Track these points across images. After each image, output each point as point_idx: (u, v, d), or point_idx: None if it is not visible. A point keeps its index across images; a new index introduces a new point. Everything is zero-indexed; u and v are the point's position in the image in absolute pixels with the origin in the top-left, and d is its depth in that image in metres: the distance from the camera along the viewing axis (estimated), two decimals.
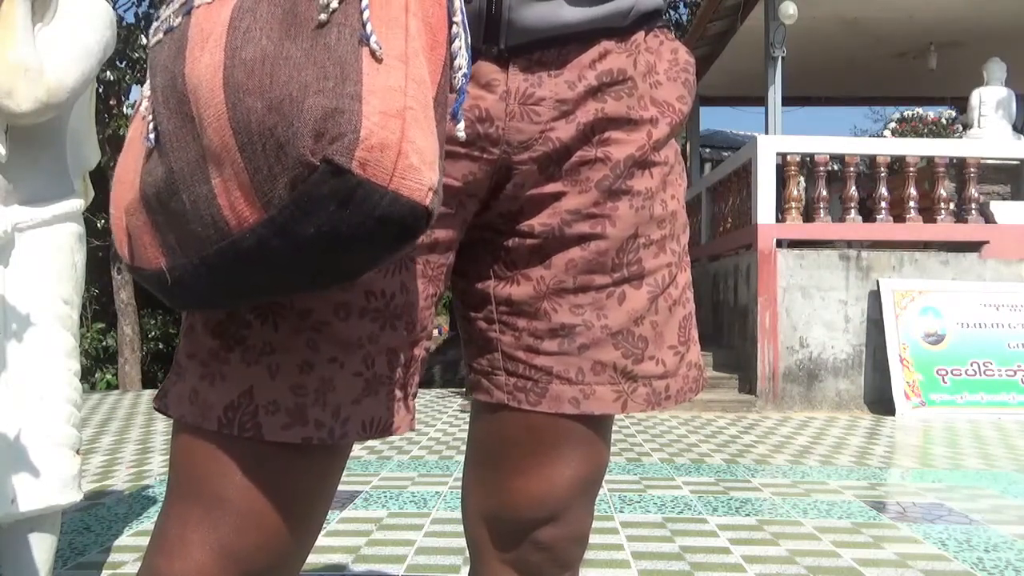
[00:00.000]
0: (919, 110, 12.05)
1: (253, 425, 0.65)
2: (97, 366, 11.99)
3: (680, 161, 0.82)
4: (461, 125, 0.59)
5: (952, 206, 7.33)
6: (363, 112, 0.49)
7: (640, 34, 0.77)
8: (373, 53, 0.51)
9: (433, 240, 0.71)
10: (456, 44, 0.58)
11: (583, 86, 0.73)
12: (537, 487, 0.79)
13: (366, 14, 0.51)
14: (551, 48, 0.72)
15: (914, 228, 7.26)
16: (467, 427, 5.69)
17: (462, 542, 2.70)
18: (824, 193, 7.27)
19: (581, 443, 0.79)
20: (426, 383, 12.99)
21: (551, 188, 0.75)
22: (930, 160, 7.38)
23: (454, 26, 0.58)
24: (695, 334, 0.83)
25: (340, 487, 3.43)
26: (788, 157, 7.24)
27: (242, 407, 0.65)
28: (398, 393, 0.70)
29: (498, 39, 0.69)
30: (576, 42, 0.73)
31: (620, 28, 0.75)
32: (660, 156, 0.78)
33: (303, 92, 0.50)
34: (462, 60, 0.58)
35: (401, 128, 0.50)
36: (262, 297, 0.62)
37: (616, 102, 0.75)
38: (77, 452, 1.70)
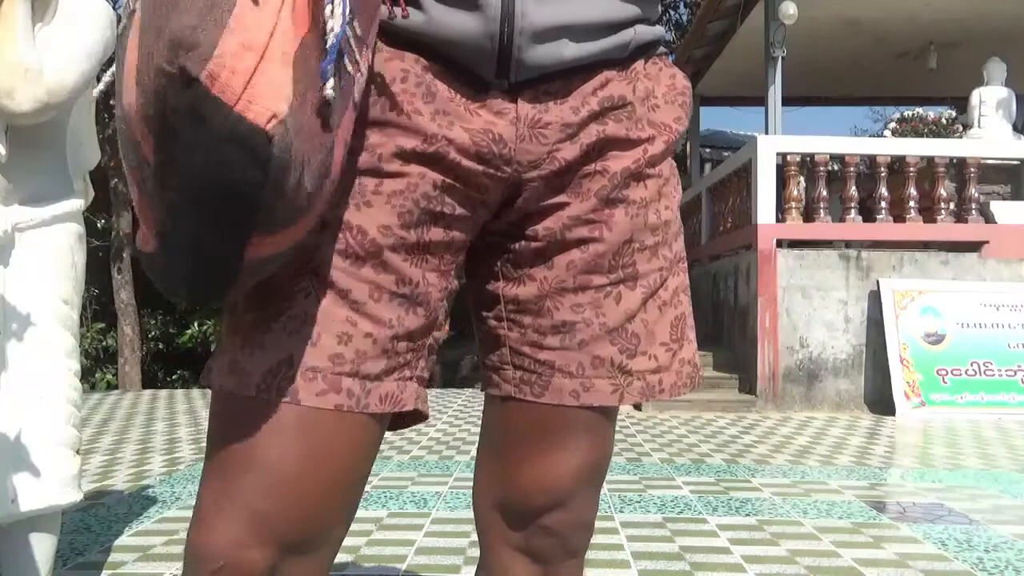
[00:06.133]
0: (919, 110, 12.05)
1: (291, 391, 0.70)
2: (97, 366, 11.99)
3: (675, 174, 0.89)
4: (330, 83, 0.62)
5: (952, 206, 7.33)
6: (223, 37, 0.54)
7: (639, 63, 0.84)
8: None
9: (450, 238, 0.78)
10: (328, 11, 0.62)
11: (586, 111, 0.79)
12: (544, 474, 0.85)
13: None
14: (556, 80, 0.78)
15: (914, 228, 7.26)
16: (467, 427, 5.70)
17: (462, 542, 2.70)
18: (824, 193, 7.27)
19: (585, 433, 0.85)
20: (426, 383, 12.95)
21: (556, 200, 0.81)
22: (930, 160, 7.38)
23: (328, 2, 0.62)
24: (691, 334, 0.89)
25: None
26: (788, 157, 7.24)
27: (280, 373, 0.70)
28: (408, 373, 0.77)
29: (508, 75, 0.76)
30: (580, 73, 0.79)
31: (620, 59, 0.82)
32: (655, 170, 0.85)
33: (173, 11, 0.55)
34: (335, 23, 0.62)
35: (257, 61, 0.55)
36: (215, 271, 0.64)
37: (616, 124, 0.81)
38: (77, 452, 1.70)
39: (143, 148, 0.59)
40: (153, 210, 0.61)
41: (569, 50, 0.77)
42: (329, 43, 0.61)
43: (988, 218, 7.36)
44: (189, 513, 3.46)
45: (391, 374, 0.75)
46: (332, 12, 0.62)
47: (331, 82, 0.61)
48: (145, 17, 0.58)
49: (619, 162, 0.82)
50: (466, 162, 0.76)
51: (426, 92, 0.74)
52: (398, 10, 0.72)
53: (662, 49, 0.88)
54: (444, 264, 0.79)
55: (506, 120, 0.77)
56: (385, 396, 0.75)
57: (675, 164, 0.90)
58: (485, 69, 0.75)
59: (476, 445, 4.07)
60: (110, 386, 11.43)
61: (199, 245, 0.61)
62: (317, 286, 0.72)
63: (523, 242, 0.83)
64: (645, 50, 0.85)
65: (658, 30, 0.86)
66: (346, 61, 0.65)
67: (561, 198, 0.81)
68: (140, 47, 0.57)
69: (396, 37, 0.75)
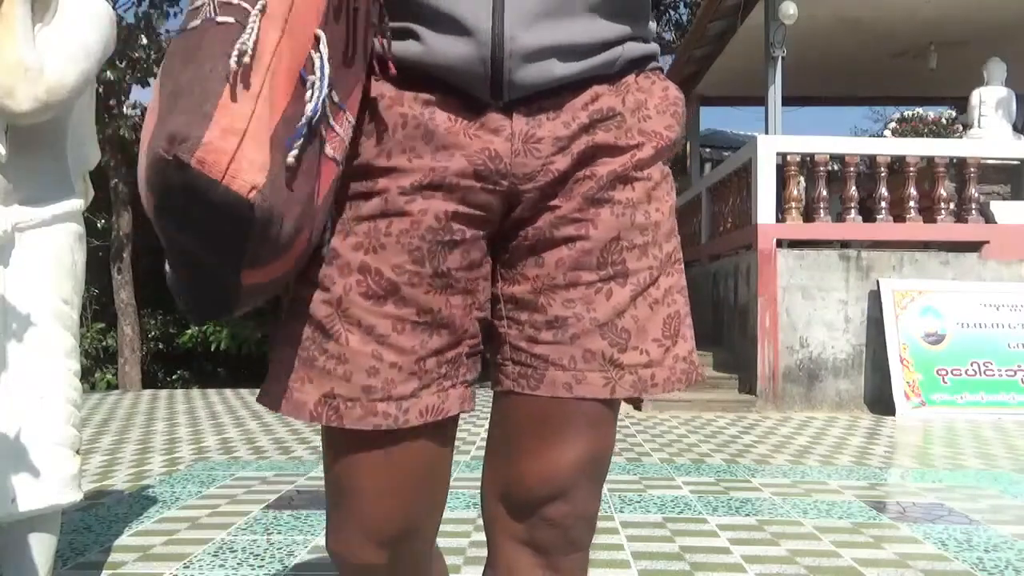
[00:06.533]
0: (919, 110, 12.06)
1: (336, 417, 0.83)
2: (97, 366, 11.99)
3: (668, 180, 0.93)
4: (292, 154, 0.73)
5: (952, 206, 7.33)
6: (209, 127, 0.67)
7: (630, 77, 0.89)
8: (233, 88, 0.69)
9: (468, 260, 0.86)
10: (308, 94, 0.75)
11: (577, 125, 0.85)
12: (543, 465, 0.89)
13: (244, 61, 0.70)
14: (548, 97, 0.84)
15: (914, 228, 7.26)
16: (467, 427, 5.67)
17: (462, 542, 2.70)
18: (824, 193, 7.26)
19: (583, 426, 0.89)
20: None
21: (548, 204, 0.87)
22: (930, 160, 7.38)
23: (308, 86, 0.75)
24: (687, 332, 0.92)
25: None
26: (788, 157, 7.23)
27: (327, 403, 0.84)
28: (446, 384, 0.87)
29: (501, 95, 0.82)
30: (571, 89, 0.85)
31: (610, 74, 0.87)
32: (643, 173, 0.89)
33: (171, 113, 0.69)
34: (309, 106, 0.75)
35: (238, 142, 0.68)
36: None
37: (606, 133, 0.87)
38: (77, 452, 1.70)
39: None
40: (167, 250, 0.76)
41: (558, 69, 0.83)
42: (299, 123, 0.73)
43: (988, 218, 7.35)
44: (189, 513, 3.46)
45: (427, 389, 0.85)
46: (312, 96, 0.74)
47: (294, 152, 0.73)
48: (160, 110, 0.71)
49: (606, 166, 0.87)
50: (464, 182, 0.83)
51: (425, 132, 0.83)
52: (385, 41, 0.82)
53: (655, 64, 0.93)
54: (469, 283, 0.87)
55: (502, 137, 0.83)
56: (425, 409, 0.85)
57: (669, 170, 0.93)
58: (480, 91, 0.82)
59: (476, 445, 4.09)
60: (110, 386, 11.43)
61: (203, 274, 0.75)
62: (348, 327, 0.83)
63: (516, 242, 0.88)
64: (636, 64, 0.89)
65: (650, 47, 0.91)
66: (320, 128, 0.76)
67: (554, 203, 0.87)
68: (146, 135, 0.70)
69: (399, 71, 0.82)
